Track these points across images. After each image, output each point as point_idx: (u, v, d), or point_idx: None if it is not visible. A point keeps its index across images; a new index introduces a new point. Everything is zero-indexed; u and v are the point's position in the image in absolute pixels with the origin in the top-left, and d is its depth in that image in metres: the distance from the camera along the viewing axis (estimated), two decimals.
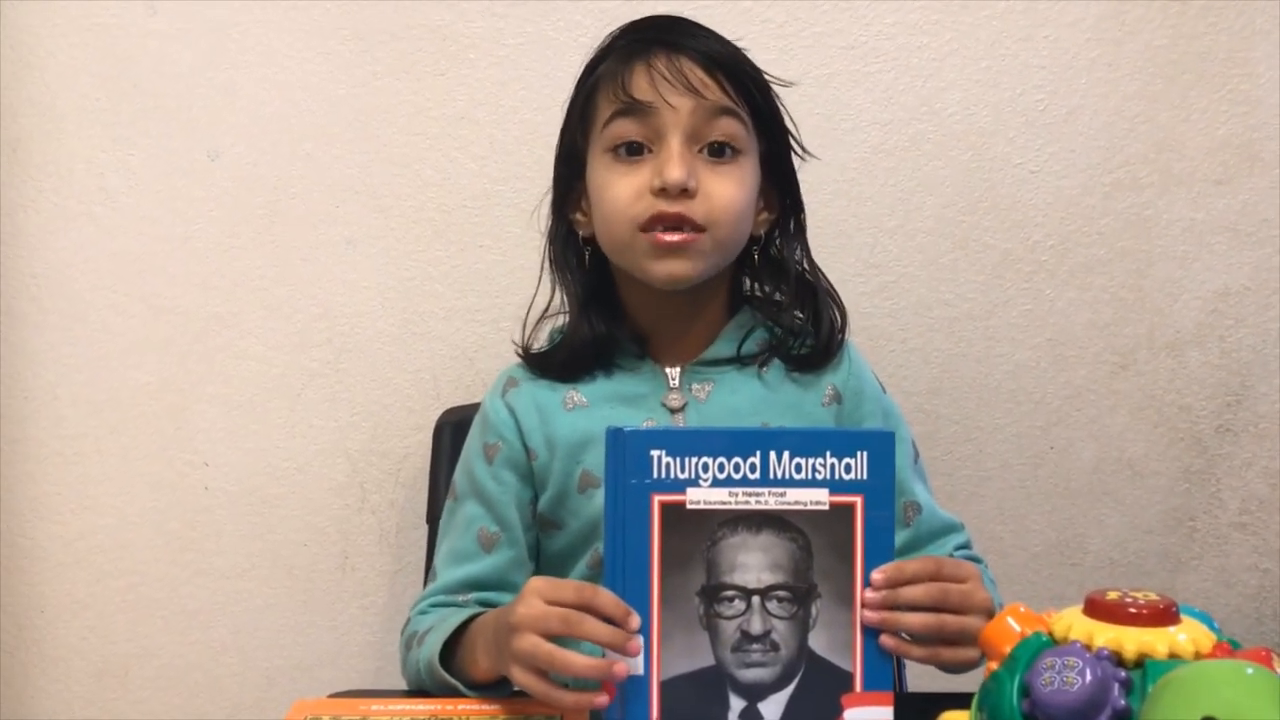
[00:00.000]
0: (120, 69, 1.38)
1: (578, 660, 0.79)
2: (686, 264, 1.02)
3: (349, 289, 1.41)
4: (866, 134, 1.42)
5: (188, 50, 1.38)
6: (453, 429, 1.34)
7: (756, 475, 0.80)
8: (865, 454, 0.81)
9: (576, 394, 1.09)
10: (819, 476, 0.81)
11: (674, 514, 0.79)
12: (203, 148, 1.39)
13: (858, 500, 0.81)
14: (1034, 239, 1.45)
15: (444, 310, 1.42)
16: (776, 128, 1.08)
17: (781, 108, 1.10)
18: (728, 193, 1.02)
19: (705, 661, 0.79)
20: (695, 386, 1.08)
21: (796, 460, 0.81)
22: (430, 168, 1.40)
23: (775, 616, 0.80)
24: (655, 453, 0.80)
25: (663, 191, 1.00)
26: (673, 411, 1.07)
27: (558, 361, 1.10)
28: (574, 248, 1.11)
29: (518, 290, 1.41)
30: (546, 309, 1.14)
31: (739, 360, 1.09)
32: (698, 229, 1.01)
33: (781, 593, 0.80)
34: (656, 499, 0.79)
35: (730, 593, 0.79)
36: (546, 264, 1.14)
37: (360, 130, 1.39)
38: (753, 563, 0.80)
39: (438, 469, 1.34)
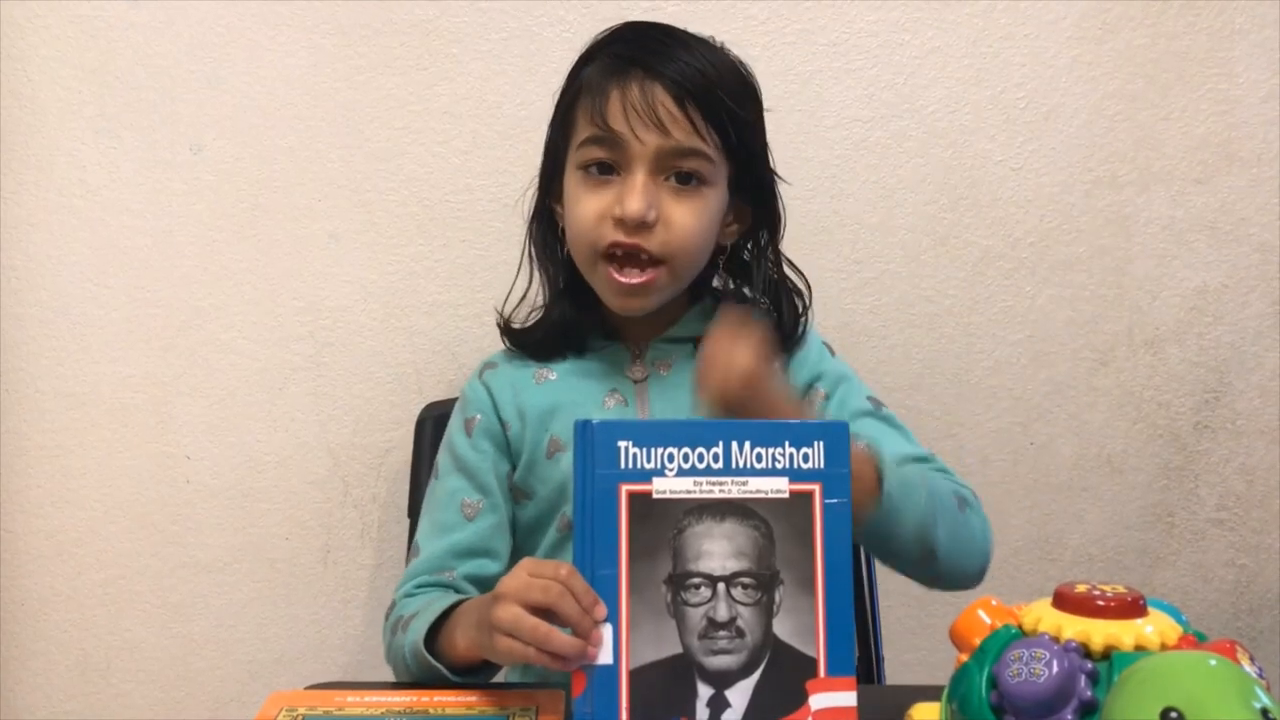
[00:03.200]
0: (103, 61, 1.37)
1: (556, 635, 0.80)
2: (642, 300, 1.08)
3: (331, 283, 1.42)
4: (848, 130, 1.43)
5: (171, 43, 1.38)
6: (435, 423, 1.34)
7: (719, 465, 0.82)
8: (821, 444, 0.83)
9: (547, 370, 1.15)
10: (779, 465, 0.83)
11: (641, 503, 0.81)
12: (185, 141, 1.39)
13: (816, 488, 0.83)
14: (1015, 236, 1.46)
15: (426, 305, 1.42)
16: (748, 153, 1.10)
17: (764, 130, 1.11)
18: (687, 223, 1.05)
19: (673, 649, 0.80)
20: (659, 362, 1.14)
21: (757, 450, 0.83)
22: (413, 162, 1.40)
23: (740, 603, 0.81)
24: (622, 443, 0.81)
25: (621, 222, 1.03)
26: (636, 382, 1.13)
27: (534, 340, 1.15)
28: (554, 236, 1.16)
29: (500, 285, 1.41)
30: (525, 295, 1.18)
31: (700, 342, 1.11)
32: (656, 261, 1.05)
33: (746, 579, 0.81)
34: (624, 488, 0.81)
35: (696, 580, 0.81)
36: (527, 249, 1.18)
37: (343, 124, 1.40)
38: (717, 550, 0.81)
39: (420, 463, 1.34)
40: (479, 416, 1.14)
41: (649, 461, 0.82)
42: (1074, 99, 1.44)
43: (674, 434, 0.82)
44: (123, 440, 1.42)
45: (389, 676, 1.20)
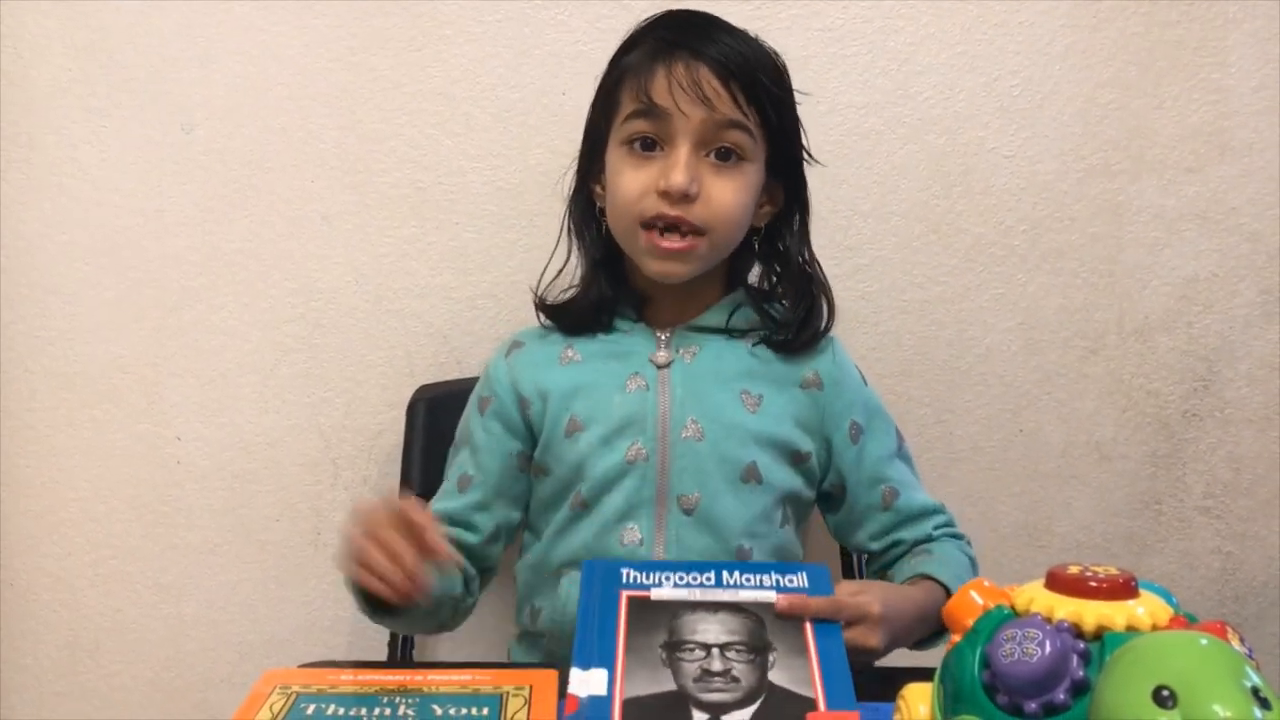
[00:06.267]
0: (94, 39, 1.37)
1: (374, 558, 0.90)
2: (681, 266, 1.10)
3: (323, 265, 1.41)
4: (842, 116, 1.43)
5: (162, 22, 1.37)
6: (426, 406, 1.35)
7: (711, 583, 0.90)
8: (804, 575, 0.91)
9: (572, 350, 1.17)
10: (765, 585, 0.90)
11: (639, 603, 0.87)
12: (177, 120, 1.38)
13: (803, 596, 0.89)
14: (1007, 223, 1.46)
15: (418, 287, 1.42)
16: (785, 135, 1.13)
17: (798, 115, 1.15)
18: (728, 198, 1.08)
19: (668, 688, 0.81)
20: (683, 349, 1.15)
21: (746, 575, 0.91)
22: (406, 144, 1.40)
23: (734, 661, 0.83)
24: (624, 570, 0.90)
25: (665, 194, 1.06)
26: (659, 367, 1.14)
27: (569, 315, 1.18)
28: (591, 215, 1.18)
29: (493, 268, 1.42)
30: (560, 271, 1.21)
31: (727, 331, 1.16)
32: (697, 232, 1.08)
33: (739, 646, 0.84)
34: (624, 594, 0.88)
35: (690, 645, 0.84)
36: (566, 226, 1.20)
37: (336, 105, 1.39)
38: (711, 629, 0.86)
39: (411, 446, 1.35)
40: (493, 399, 1.17)
41: (647, 579, 0.90)
42: (1067, 87, 1.44)
43: (670, 565, 0.91)
44: (113, 421, 1.42)
45: (379, 659, 1.20)
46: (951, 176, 1.45)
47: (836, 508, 1.20)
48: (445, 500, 1.16)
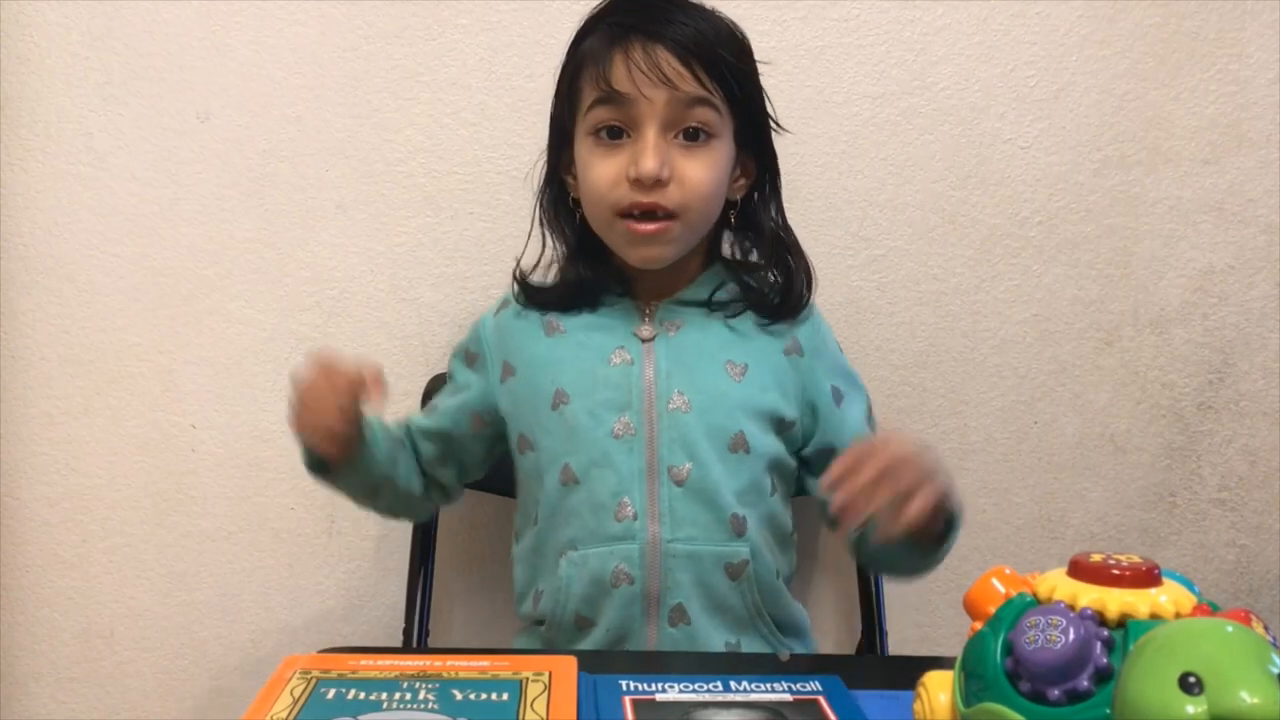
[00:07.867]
0: (110, 27, 1.37)
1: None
2: (660, 249, 1.11)
3: (338, 254, 1.41)
4: (858, 107, 1.43)
5: (178, 9, 1.37)
6: None
7: (719, 690, 0.86)
8: (817, 682, 0.88)
9: (558, 321, 1.18)
10: (778, 689, 0.86)
11: (645, 704, 0.83)
12: (192, 109, 1.38)
13: (820, 698, 0.85)
14: (1022, 215, 1.46)
15: (433, 277, 1.42)
16: (751, 107, 1.13)
17: (761, 84, 1.15)
18: (699, 176, 1.08)
19: None
20: (667, 322, 1.15)
21: (755, 684, 0.87)
22: (421, 133, 1.40)
23: None
24: (622, 681, 0.86)
25: (637, 181, 1.06)
26: (644, 341, 1.15)
27: (550, 299, 1.19)
28: (565, 206, 1.19)
29: (507, 258, 1.41)
30: (538, 261, 1.21)
31: (709, 305, 1.17)
32: (670, 215, 1.08)
33: None
34: (628, 699, 0.84)
35: None
36: (536, 217, 1.21)
37: (351, 94, 1.39)
38: (730, 718, 0.82)
39: None
40: (479, 356, 1.21)
41: (650, 687, 0.86)
42: (1084, 78, 1.44)
43: (671, 677, 0.87)
44: (128, 408, 1.42)
45: (394, 647, 1.20)
46: (967, 168, 1.45)
47: (823, 471, 1.18)
48: (415, 415, 1.23)
